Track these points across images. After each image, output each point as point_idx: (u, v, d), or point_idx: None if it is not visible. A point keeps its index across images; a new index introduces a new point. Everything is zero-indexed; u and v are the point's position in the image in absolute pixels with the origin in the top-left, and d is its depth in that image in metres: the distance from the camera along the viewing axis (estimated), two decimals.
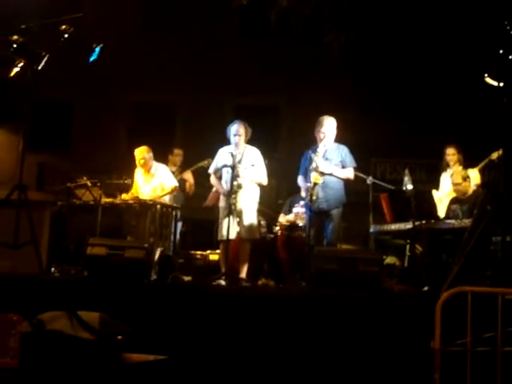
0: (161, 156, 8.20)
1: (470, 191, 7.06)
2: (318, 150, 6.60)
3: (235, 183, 6.61)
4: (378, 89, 11.66)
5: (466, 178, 7.08)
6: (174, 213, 7.45)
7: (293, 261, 7.18)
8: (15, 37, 5.76)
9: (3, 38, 5.84)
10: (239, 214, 6.67)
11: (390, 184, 7.99)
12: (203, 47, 13.04)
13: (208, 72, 13.02)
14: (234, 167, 6.61)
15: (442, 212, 7.13)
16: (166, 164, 8.14)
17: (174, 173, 8.09)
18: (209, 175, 7.17)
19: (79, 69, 8.12)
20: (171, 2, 13.69)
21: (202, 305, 4.72)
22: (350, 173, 6.73)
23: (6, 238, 5.62)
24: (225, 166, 6.82)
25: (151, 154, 7.70)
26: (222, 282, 6.30)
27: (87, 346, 2.86)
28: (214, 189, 7.45)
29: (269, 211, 8.17)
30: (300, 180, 6.85)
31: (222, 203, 6.86)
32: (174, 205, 7.64)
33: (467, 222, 6.07)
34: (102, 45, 6.19)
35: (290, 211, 7.74)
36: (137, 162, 7.67)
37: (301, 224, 7.33)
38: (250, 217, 6.75)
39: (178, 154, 8.77)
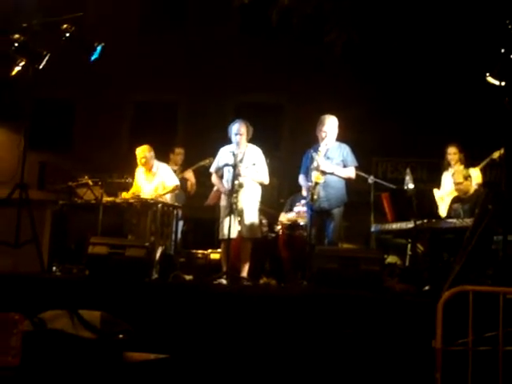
0: (162, 155, 8.19)
1: (472, 190, 7.05)
2: (320, 149, 6.59)
3: (236, 182, 6.61)
4: (380, 88, 11.66)
5: (467, 177, 7.07)
6: (175, 212, 7.45)
7: (294, 260, 7.18)
8: (16, 36, 5.77)
9: (4, 36, 5.84)
10: (240, 213, 6.67)
11: (391, 183, 7.97)
12: (205, 46, 13.05)
13: (209, 71, 13.03)
14: (235, 166, 6.60)
15: (443, 211, 7.12)
16: (168, 163, 8.15)
17: (175, 172, 8.09)
18: (210, 174, 7.16)
19: (80, 68, 8.14)
20: (173, 0, 13.70)
21: (204, 304, 4.72)
22: (351, 172, 6.72)
23: (8, 236, 5.63)
24: (226, 164, 6.81)
25: (152, 153, 7.70)
26: (224, 281, 6.30)
27: (88, 345, 2.87)
28: (215, 188, 7.44)
29: (270, 210, 8.17)
30: (301, 179, 6.84)
31: (223, 202, 6.86)
32: (176, 204, 7.65)
33: (468, 221, 6.07)
34: (103, 44, 6.19)
35: (291, 210, 7.73)
36: (138, 161, 7.67)
37: (302, 223, 7.33)
38: (252, 216, 6.75)
39: (179, 153, 8.77)
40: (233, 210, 6.55)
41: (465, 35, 9.66)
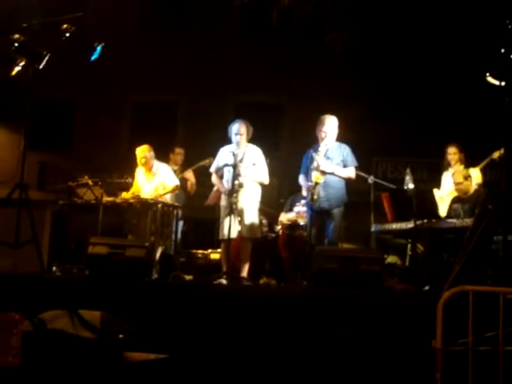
0: (162, 155, 8.19)
1: (472, 190, 7.05)
2: (320, 149, 6.59)
3: (236, 182, 6.61)
4: (380, 88, 11.66)
5: (467, 177, 7.07)
6: (175, 212, 7.45)
7: (294, 260, 7.18)
8: (16, 36, 5.76)
9: (4, 36, 5.84)
10: (240, 213, 6.67)
11: (391, 183, 7.98)
12: (205, 46, 13.05)
13: (209, 71, 13.03)
14: (235, 166, 6.60)
15: (443, 211, 7.12)
16: (168, 163, 8.15)
17: (175, 172, 8.09)
18: (210, 174, 7.17)
19: (80, 68, 8.14)
20: (173, 0, 13.70)
21: (203, 304, 4.72)
22: (351, 172, 6.72)
23: (7, 237, 5.63)
24: (226, 165, 6.81)
25: (152, 153, 7.70)
26: (224, 281, 6.30)
27: (88, 345, 2.87)
28: (215, 188, 7.44)
29: (270, 210, 8.17)
30: (301, 179, 6.84)
31: (223, 202, 6.86)
32: (176, 204, 7.65)
33: (468, 221, 6.06)
34: (103, 43, 6.19)
35: (291, 210, 7.73)
36: (138, 161, 7.67)
37: (302, 223, 7.33)
38: (252, 216, 6.75)
39: (179, 153, 8.77)
40: (233, 210, 6.55)
41: (465, 35, 9.66)
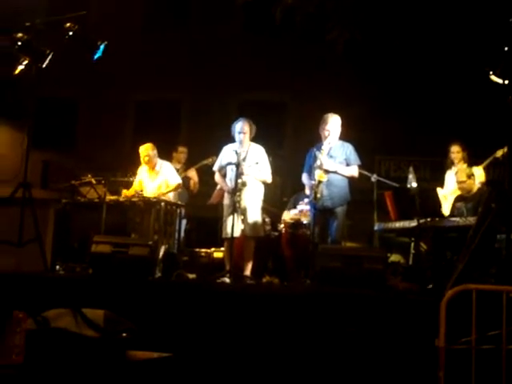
0: (165, 153, 8.19)
1: (475, 189, 7.04)
2: (323, 147, 6.59)
3: (239, 181, 6.61)
4: (383, 86, 11.65)
5: (470, 176, 7.06)
6: (178, 210, 7.45)
7: (297, 258, 7.18)
8: (20, 34, 5.77)
9: (8, 35, 5.85)
10: (243, 212, 6.66)
11: (394, 182, 7.97)
12: (208, 44, 13.06)
13: (213, 69, 13.03)
14: (238, 165, 6.60)
15: (446, 210, 7.11)
16: (171, 161, 8.14)
17: (178, 170, 8.09)
18: (213, 173, 7.17)
19: (84, 67, 8.12)
20: None
21: (207, 302, 4.72)
22: (354, 170, 6.72)
23: (11, 235, 5.63)
24: (229, 163, 6.81)
25: (156, 152, 7.70)
26: (227, 280, 6.30)
27: (92, 344, 2.87)
28: (218, 186, 7.45)
29: (273, 209, 8.17)
30: (304, 178, 6.84)
31: (226, 201, 6.86)
32: (179, 202, 7.64)
33: (472, 219, 6.05)
34: (106, 42, 6.19)
35: (294, 209, 7.73)
36: (141, 159, 7.68)
37: (305, 222, 7.33)
38: (255, 214, 6.75)
39: (182, 152, 8.77)
40: (236, 208, 6.55)
41: (468, 33, 9.64)
